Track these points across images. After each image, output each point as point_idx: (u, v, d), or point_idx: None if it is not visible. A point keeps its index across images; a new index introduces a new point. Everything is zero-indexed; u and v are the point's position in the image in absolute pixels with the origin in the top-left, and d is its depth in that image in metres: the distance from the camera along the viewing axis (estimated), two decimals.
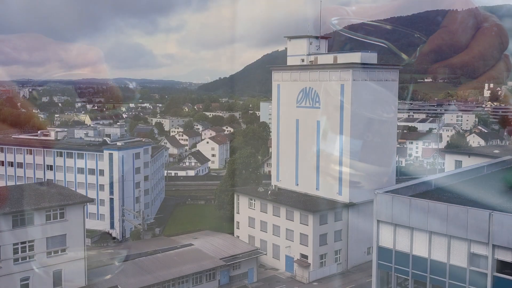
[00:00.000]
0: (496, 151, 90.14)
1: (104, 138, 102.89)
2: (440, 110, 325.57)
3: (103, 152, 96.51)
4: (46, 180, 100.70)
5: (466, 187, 40.73)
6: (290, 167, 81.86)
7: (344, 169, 73.64)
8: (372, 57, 77.83)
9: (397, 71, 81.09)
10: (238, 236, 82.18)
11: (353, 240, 74.97)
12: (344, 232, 74.19)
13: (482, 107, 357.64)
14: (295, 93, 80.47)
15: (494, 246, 29.61)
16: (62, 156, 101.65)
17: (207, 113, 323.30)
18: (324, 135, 76.49)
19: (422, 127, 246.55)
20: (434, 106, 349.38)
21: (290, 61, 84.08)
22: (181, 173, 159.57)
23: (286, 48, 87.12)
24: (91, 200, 61.70)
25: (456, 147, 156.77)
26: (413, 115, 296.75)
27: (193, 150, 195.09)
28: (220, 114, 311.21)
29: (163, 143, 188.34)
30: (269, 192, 79.56)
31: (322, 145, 76.72)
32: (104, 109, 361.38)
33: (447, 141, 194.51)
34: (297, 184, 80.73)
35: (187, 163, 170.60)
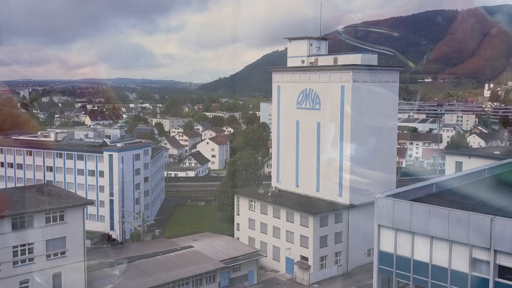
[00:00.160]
0: (497, 152, 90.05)
1: (104, 139, 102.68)
2: (440, 110, 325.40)
3: (103, 153, 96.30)
4: (46, 181, 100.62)
5: (467, 191, 40.56)
6: (290, 169, 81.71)
7: (345, 171, 73.50)
8: (372, 59, 77.75)
9: (398, 72, 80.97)
10: (238, 238, 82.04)
11: (353, 242, 74.84)
12: (344, 234, 74.05)
13: (482, 107, 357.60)
14: (295, 94, 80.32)
15: (496, 251, 29.46)
16: (62, 158, 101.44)
17: (207, 114, 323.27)
18: (324, 137, 76.32)
19: (422, 127, 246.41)
20: (434, 106, 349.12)
21: (290, 63, 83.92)
22: (181, 174, 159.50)
23: (286, 48, 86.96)
24: (91, 203, 61.57)
25: (456, 147, 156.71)
26: (413, 116, 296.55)
27: (193, 151, 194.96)
28: (220, 115, 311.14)
29: (163, 144, 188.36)
30: (269, 193, 79.41)
31: (322, 146, 76.57)
32: (104, 109, 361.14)
33: (447, 142, 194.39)
34: (298, 186, 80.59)
35: (187, 164, 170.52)
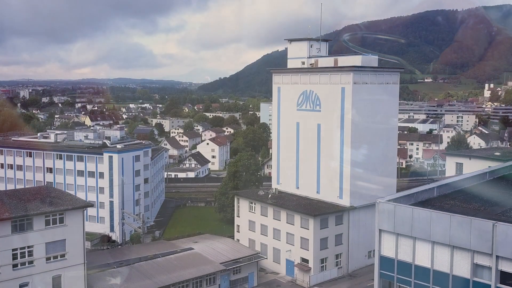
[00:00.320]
0: (497, 153, 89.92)
1: (104, 141, 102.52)
2: (441, 110, 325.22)
3: (103, 154, 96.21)
4: (45, 183, 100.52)
5: (469, 194, 40.39)
6: (290, 170, 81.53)
7: (345, 173, 73.33)
8: (373, 60, 77.56)
9: (398, 74, 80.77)
10: (238, 240, 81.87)
11: (354, 244, 74.68)
12: (345, 236, 73.88)
13: (482, 107, 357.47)
14: (296, 96, 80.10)
15: (497, 257, 29.30)
16: (61, 159, 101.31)
17: (207, 114, 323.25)
18: (324, 139, 76.15)
19: (422, 127, 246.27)
20: (434, 106, 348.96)
21: (290, 64, 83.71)
22: (181, 175, 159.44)
23: (286, 48, 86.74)
24: (91, 205, 61.42)
25: (456, 148, 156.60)
26: (413, 116, 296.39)
27: (193, 151, 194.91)
28: (220, 115, 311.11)
29: (163, 145, 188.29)
30: (270, 195, 79.27)
31: (322, 148, 76.40)
32: (104, 110, 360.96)
33: (448, 142, 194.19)
34: (298, 188, 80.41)
35: (187, 165, 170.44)
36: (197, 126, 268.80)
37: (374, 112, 75.30)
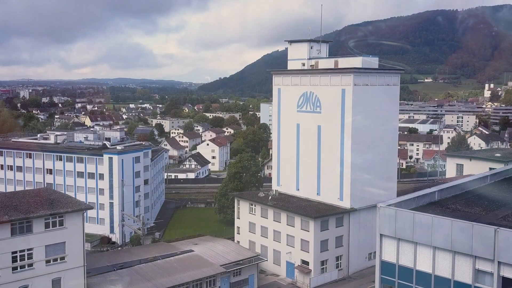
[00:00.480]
0: (498, 155, 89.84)
1: (104, 142, 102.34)
2: (441, 111, 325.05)
3: (102, 156, 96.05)
4: (45, 184, 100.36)
5: (470, 198, 40.23)
6: (290, 172, 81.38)
7: (345, 174, 73.17)
8: (373, 62, 77.32)
9: (399, 75, 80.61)
10: (238, 242, 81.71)
11: (354, 246, 74.51)
12: (345, 238, 73.72)
13: (482, 107, 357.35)
14: (296, 97, 79.92)
15: (499, 263, 29.14)
16: (61, 160, 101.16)
17: (207, 114, 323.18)
18: (324, 140, 75.98)
19: (422, 128, 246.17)
20: (434, 106, 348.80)
21: (290, 65, 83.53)
22: (181, 176, 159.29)
23: (286, 48, 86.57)
24: (91, 208, 61.18)
25: (456, 149, 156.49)
26: (413, 116, 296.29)
27: (193, 152, 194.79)
28: (220, 115, 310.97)
29: (163, 145, 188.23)
30: (270, 197, 79.08)
31: (323, 150, 76.22)
32: (104, 110, 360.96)
33: (448, 143, 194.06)
34: (298, 189, 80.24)
35: (187, 165, 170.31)
36: (197, 127, 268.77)
37: (375, 113, 75.06)
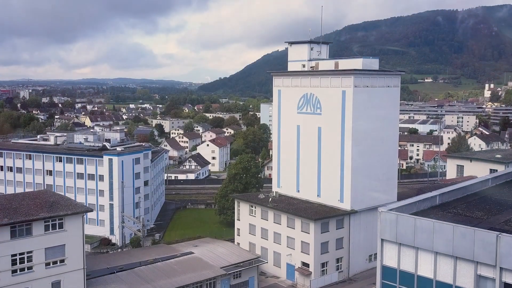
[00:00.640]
0: (498, 156, 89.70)
1: (104, 143, 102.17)
2: (441, 111, 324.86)
3: (102, 157, 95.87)
4: (45, 185, 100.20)
5: (471, 202, 40.06)
6: (291, 174, 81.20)
7: (346, 176, 73.02)
8: (373, 63, 77.18)
9: (399, 77, 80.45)
10: (238, 243, 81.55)
11: (354, 247, 74.36)
12: (345, 240, 73.58)
13: (482, 108, 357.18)
14: (296, 99, 79.74)
15: (501, 268, 28.98)
16: (61, 161, 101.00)
17: (207, 115, 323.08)
18: (325, 142, 75.81)
19: (423, 128, 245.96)
20: (434, 107, 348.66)
21: (291, 67, 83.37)
22: (181, 177, 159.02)
23: (286, 48, 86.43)
24: (91, 210, 60.97)
25: (457, 149, 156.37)
26: (413, 117, 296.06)
27: (193, 153, 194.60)
28: (220, 116, 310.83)
29: (163, 146, 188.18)
30: (270, 199, 78.91)
31: (323, 151, 76.06)
32: (104, 110, 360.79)
33: (448, 143, 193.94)
34: (298, 191, 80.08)
35: (187, 166, 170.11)
36: (197, 127, 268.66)
37: (375, 115, 74.90)
